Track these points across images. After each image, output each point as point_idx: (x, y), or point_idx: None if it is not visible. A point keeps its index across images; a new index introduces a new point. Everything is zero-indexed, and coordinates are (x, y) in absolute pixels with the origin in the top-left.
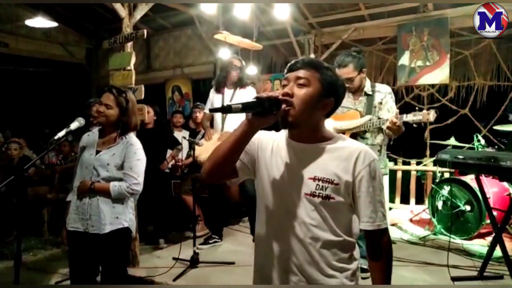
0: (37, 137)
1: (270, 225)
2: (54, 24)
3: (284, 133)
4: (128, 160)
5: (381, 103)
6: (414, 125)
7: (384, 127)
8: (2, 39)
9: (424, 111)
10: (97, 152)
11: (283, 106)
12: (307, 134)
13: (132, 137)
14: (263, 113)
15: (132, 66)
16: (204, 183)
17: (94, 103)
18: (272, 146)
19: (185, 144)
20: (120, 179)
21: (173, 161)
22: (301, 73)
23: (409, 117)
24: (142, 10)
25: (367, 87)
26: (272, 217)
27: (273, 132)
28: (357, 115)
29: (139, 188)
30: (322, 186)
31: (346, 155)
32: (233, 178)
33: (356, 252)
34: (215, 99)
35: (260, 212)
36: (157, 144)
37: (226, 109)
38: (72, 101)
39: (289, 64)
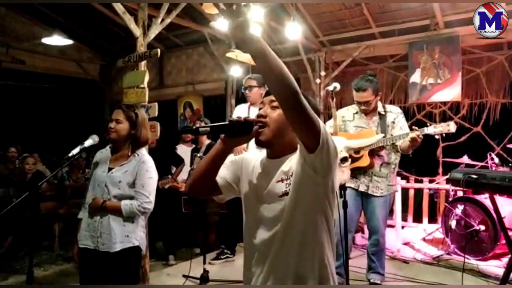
0: (51, 153)
1: (254, 235)
2: (69, 41)
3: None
4: (140, 178)
5: (393, 122)
6: (436, 136)
7: (403, 141)
8: (19, 57)
9: (443, 123)
10: (110, 169)
11: (255, 127)
12: (281, 152)
13: (145, 154)
14: (234, 135)
15: (145, 84)
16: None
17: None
18: (253, 165)
19: (187, 161)
20: (132, 197)
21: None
22: None
23: (430, 130)
24: (156, 29)
25: (380, 108)
26: (255, 227)
27: (258, 152)
28: (372, 133)
29: (151, 206)
30: (289, 182)
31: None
32: (216, 194)
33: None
34: (241, 114)
35: (244, 228)
36: (161, 163)
37: (194, 131)
38: (86, 117)
39: (266, 90)
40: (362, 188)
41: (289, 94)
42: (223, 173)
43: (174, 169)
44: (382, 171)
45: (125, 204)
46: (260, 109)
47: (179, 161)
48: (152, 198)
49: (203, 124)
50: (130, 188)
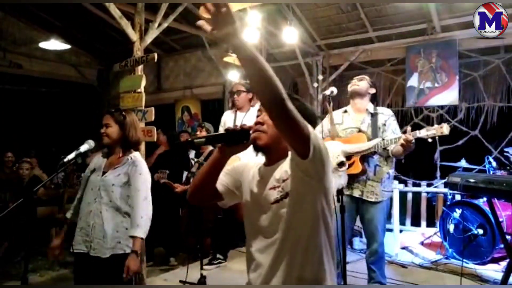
0: (48, 157)
1: (253, 242)
2: (67, 46)
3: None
4: (135, 184)
5: (384, 124)
6: (429, 139)
7: (395, 145)
8: (16, 61)
9: (436, 125)
10: (104, 173)
11: (253, 135)
12: (275, 159)
13: (137, 157)
14: (232, 143)
15: (142, 89)
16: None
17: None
18: (253, 171)
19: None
20: (121, 198)
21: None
22: None
23: (423, 133)
24: (152, 33)
25: (370, 107)
26: (254, 234)
27: (261, 158)
28: (363, 137)
29: (150, 207)
30: (281, 188)
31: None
32: (218, 200)
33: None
34: (227, 120)
35: (246, 233)
36: (174, 166)
37: (189, 143)
38: (83, 121)
39: None
40: (356, 194)
41: (275, 101)
42: (224, 180)
43: (185, 174)
44: (376, 176)
45: (142, 233)
46: (257, 116)
47: (189, 167)
48: (149, 198)
49: (204, 131)
50: (123, 189)
